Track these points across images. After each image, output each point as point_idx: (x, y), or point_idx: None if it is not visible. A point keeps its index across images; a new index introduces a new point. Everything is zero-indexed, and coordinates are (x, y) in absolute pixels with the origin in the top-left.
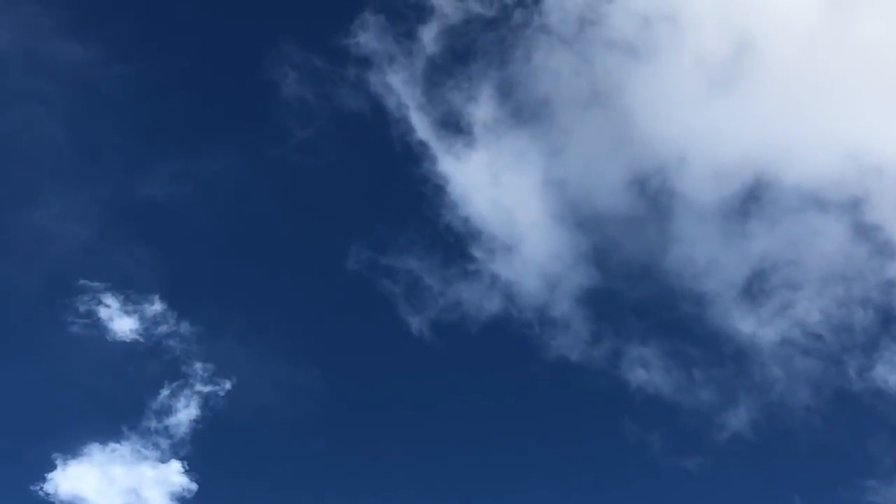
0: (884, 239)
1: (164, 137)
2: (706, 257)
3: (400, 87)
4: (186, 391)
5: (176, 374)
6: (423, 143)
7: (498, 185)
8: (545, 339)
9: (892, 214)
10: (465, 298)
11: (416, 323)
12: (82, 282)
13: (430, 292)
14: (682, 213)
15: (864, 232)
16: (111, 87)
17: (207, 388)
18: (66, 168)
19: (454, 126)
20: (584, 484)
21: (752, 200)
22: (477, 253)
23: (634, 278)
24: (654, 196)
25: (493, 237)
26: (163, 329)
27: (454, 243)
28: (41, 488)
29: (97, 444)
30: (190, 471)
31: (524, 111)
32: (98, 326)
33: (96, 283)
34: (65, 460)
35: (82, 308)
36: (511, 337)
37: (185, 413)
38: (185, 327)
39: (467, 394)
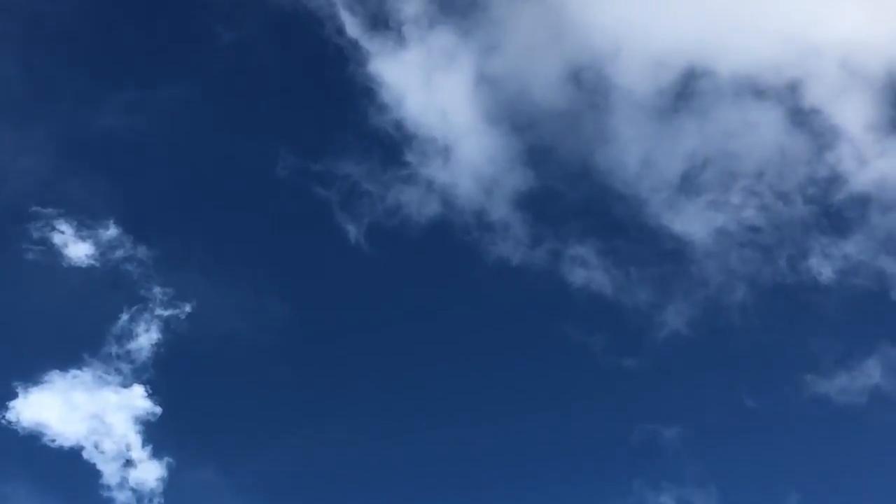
0: (822, 123)
1: (117, 67)
2: (642, 153)
3: None
4: (146, 315)
5: (135, 299)
6: (353, 43)
7: (430, 85)
8: (485, 243)
9: (831, 96)
10: (403, 203)
11: (353, 230)
12: (34, 209)
13: (370, 198)
14: (618, 107)
15: (803, 117)
16: (60, 19)
17: (167, 312)
18: (18, 102)
19: (383, 24)
20: (527, 386)
21: (688, 90)
22: (411, 157)
23: (571, 178)
24: (589, 89)
25: (429, 139)
26: (119, 254)
27: (389, 147)
28: (3, 417)
29: (58, 371)
30: (153, 394)
31: (455, 4)
32: (53, 252)
33: (49, 210)
34: (26, 388)
35: (36, 234)
36: (451, 242)
37: (146, 337)
38: (142, 251)
39: (409, 301)
